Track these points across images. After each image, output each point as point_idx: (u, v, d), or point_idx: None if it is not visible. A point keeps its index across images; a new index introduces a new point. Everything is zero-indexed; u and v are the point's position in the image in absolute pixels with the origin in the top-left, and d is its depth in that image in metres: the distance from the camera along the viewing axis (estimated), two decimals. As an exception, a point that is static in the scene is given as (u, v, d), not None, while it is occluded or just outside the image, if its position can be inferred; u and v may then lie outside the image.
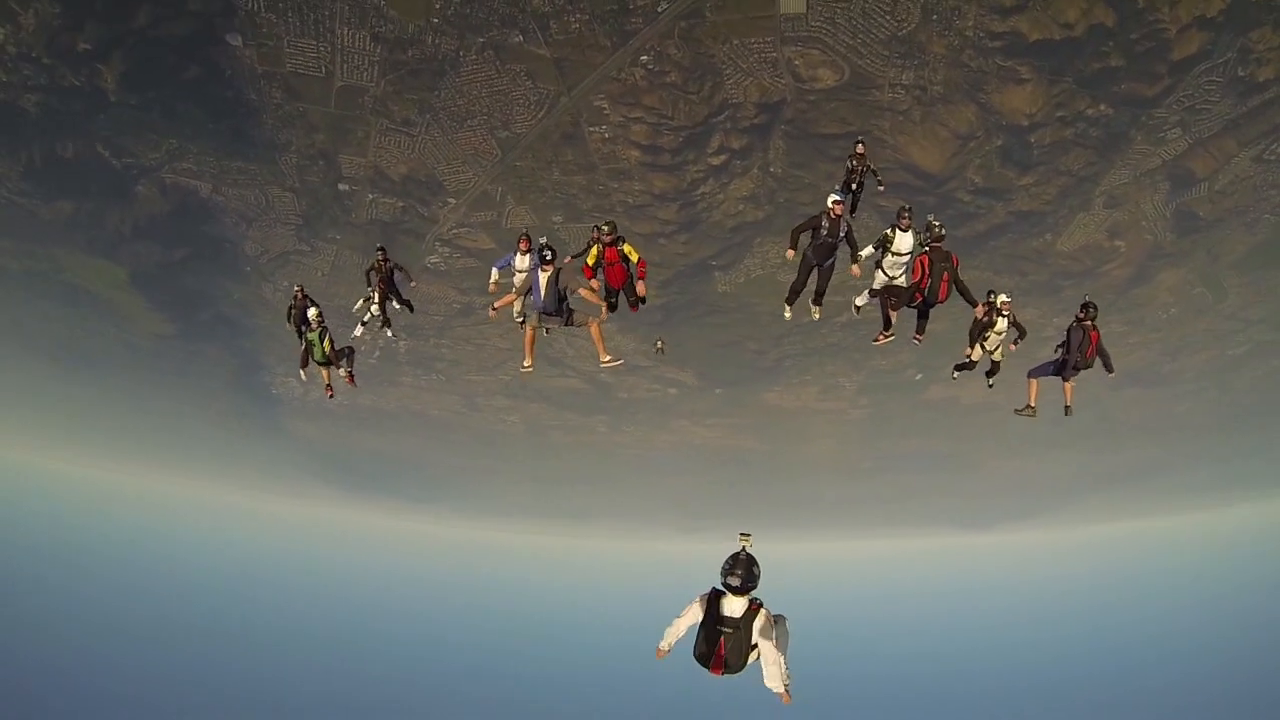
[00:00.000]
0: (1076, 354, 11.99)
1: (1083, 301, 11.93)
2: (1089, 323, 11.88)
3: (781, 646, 6.15)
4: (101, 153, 38.09)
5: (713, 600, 5.97)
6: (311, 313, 13.89)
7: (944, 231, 11.30)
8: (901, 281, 12.20)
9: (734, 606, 5.91)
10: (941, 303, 11.68)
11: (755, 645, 5.98)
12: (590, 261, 11.84)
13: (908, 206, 11.84)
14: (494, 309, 12.18)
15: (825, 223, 11.61)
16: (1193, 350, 50.12)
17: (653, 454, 58.99)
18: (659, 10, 28.92)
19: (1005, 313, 12.68)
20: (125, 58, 34.41)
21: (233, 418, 59.64)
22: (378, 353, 48.18)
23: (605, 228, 11.61)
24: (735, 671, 6.06)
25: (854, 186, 13.98)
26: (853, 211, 13.97)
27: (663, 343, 29.37)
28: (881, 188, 14.46)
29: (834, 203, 11.54)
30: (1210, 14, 29.38)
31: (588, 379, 48.94)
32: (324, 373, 14.64)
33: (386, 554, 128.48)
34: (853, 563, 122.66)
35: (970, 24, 28.98)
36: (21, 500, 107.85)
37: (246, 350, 51.33)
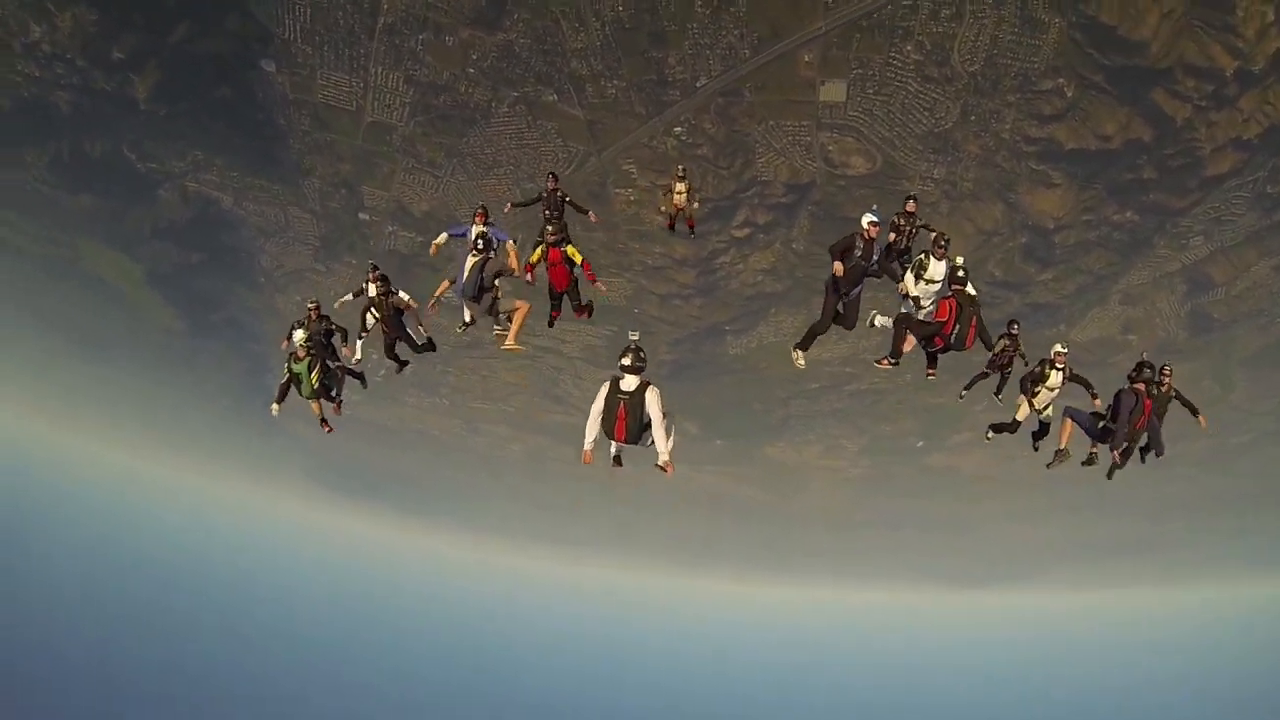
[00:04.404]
0: (1125, 425, 9.85)
1: (1138, 360, 10.01)
2: (1141, 386, 9.85)
3: (669, 418, 7.81)
4: (128, 155, 38.11)
5: (613, 383, 7.71)
6: (298, 336, 11.10)
7: (965, 275, 10.20)
8: (926, 310, 11.17)
9: (629, 384, 7.63)
10: (968, 349, 10.53)
11: (648, 422, 7.64)
12: (533, 260, 11.17)
13: (946, 236, 10.79)
14: (435, 247, 12.24)
15: (860, 244, 10.31)
16: (1194, 437, 50.10)
17: (647, 493, 59.03)
18: (698, 85, 28.85)
19: (1060, 365, 10.78)
20: (159, 69, 34.34)
21: (234, 414, 59.74)
22: (383, 371, 48.10)
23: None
24: (634, 440, 7.77)
25: (903, 248, 12.00)
26: (899, 278, 11.60)
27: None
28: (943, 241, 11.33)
29: (869, 224, 10.22)
30: (1247, 135, 29.34)
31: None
32: (315, 406, 11.86)
33: (376, 559, 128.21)
34: (841, 612, 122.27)
35: (1008, 128, 28.99)
36: (16, 470, 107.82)
37: (254, 354, 51.30)
